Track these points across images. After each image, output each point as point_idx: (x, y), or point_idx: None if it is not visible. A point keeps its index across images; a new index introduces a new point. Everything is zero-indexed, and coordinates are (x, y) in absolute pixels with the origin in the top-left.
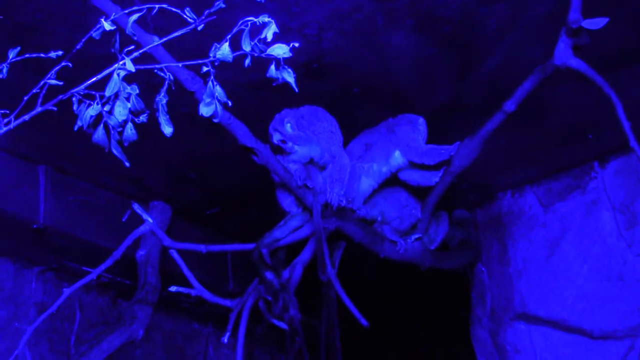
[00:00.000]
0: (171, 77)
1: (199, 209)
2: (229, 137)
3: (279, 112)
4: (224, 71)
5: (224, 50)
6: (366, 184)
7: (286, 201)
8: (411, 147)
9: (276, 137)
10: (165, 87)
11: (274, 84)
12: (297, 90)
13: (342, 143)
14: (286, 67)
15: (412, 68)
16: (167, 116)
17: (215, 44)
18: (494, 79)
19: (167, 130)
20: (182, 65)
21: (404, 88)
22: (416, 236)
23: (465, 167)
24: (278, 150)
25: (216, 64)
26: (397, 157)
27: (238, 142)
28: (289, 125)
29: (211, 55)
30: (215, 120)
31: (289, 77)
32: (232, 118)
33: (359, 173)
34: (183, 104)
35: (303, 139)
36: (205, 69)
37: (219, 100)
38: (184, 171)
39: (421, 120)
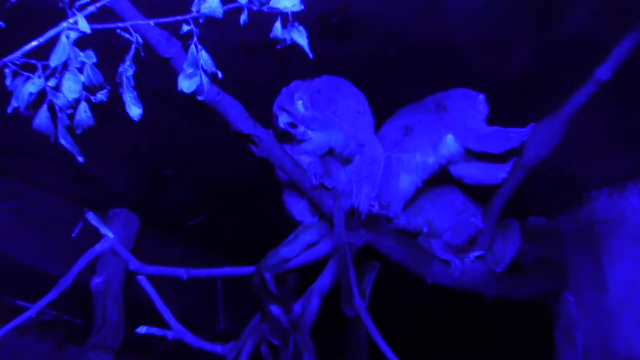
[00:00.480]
0: (140, 40)
1: (178, 218)
2: (218, 121)
3: (286, 86)
4: (210, 31)
5: (212, 3)
6: (407, 182)
7: (297, 208)
8: (469, 130)
9: (283, 120)
10: (131, 54)
11: (278, 47)
12: (311, 56)
13: (374, 126)
14: (296, 24)
15: (472, 24)
16: (135, 93)
17: None
18: (581, 40)
19: (135, 112)
20: (155, 23)
21: (460, 53)
22: (477, 254)
23: (543, 158)
24: (286, 137)
25: (201, 21)
26: (450, 144)
27: (231, 127)
28: (300, 103)
29: (194, 10)
30: (200, 98)
31: (301, 37)
32: (223, 94)
33: (396, 167)
34: (155, 76)
35: (320, 122)
36: (186, 28)
37: (205, 71)
38: (156, 167)
39: (481, 97)
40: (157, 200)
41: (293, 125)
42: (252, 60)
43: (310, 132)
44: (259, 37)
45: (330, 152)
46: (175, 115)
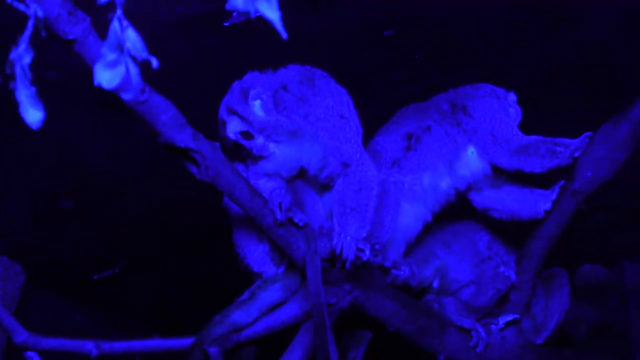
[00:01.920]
0: (39, 12)
1: (79, 270)
2: (141, 130)
3: (238, 79)
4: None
5: None
6: (410, 216)
7: (254, 253)
8: (498, 141)
9: (233, 128)
10: (27, 33)
11: (226, 23)
12: (284, 36)
13: (362, 137)
14: None
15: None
16: (33, 89)
17: None
18: None
19: (33, 116)
20: None
21: (483, 34)
22: (508, 319)
23: (602, 182)
24: (238, 152)
25: None
26: (471, 161)
27: (159, 139)
28: (258, 103)
29: None
30: (126, 97)
31: (270, 8)
32: (150, 91)
33: (395, 195)
34: (49, 65)
35: (285, 131)
36: None
37: (132, 57)
38: (50, 197)
39: (512, 96)
40: (49, 243)
41: (247, 135)
42: (192, 41)
43: (271, 145)
44: (201, 9)
45: (301, 173)
46: (77, 122)
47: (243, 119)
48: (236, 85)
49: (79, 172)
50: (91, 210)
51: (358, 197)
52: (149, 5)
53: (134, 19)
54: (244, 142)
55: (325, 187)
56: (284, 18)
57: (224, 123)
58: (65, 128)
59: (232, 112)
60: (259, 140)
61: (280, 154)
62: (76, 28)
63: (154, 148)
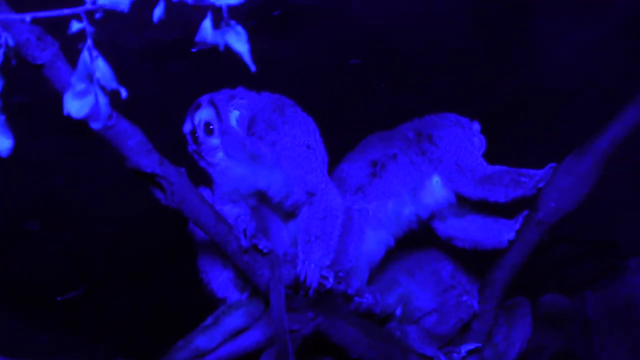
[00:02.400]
0: (10, 41)
1: (44, 292)
2: (108, 154)
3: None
4: (102, 26)
5: None
6: (374, 242)
7: (218, 279)
8: (462, 170)
9: (202, 115)
10: None
11: (194, 49)
12: (253, 68)
13: (327, 165)
14: (233, 23)
15: (464, 23)
16: (3, 118)
17: None
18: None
19: (3, 144)
20: (31, 18)
21: (450, 62)
22: (470, 347)
23: (565, 213)
24: (188, 143)
25: (97, 16)
26: (435, 189)
27: (126, 164)
28: (236, 114)
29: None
30: (95, 126)
31: (239, 42)
32: (117, 116)
33: (359, 222)
34: (20, 88)
35: (245, 153)
36: (76, 25)
37: (101, 87)
38: (15, 218)
39: (476, 125)
40: (13, 265)
41: (208, 129)
42: (159, 68)
43: (221, 155)
44: (169, 36)
45: (263, 198)
46: (43, 143)
47: (217, 113)
48: (227, 90)
49: (45, 194)
50: (57, 232)
51: (323, 225)
52: (118, 32)
53: (102, 45)
54: (200, 133)
55: (290, 214)
56: (252, 43)
57: (198, 106)
58: (33, 150)
59: (212, 103)
60: (214, 141)
61: (228, 170)
62: (45, 53)
63: (121, 171)
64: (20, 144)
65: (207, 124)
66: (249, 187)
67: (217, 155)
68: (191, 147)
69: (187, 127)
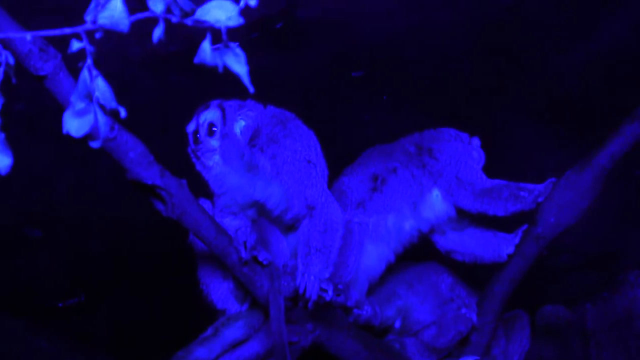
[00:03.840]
0: (10, 59)
1: (45, 298)
2: (109, 164)
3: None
4: (103, 39)
5: (114, 10)
6: (373, 256)
7: (218, 290)
8: (462, 184)
9: (209, 116)
10: None
11: (196, 61)
12: (251, 90)
13: (327, 178)
14: (232, 45)
15: (467, 37)
16: (2, 136)
17: None
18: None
19: (2, 162)
20: (30, 37)
21: (452, 76)
22: (469, 359)
23: (565, 227)
24: (189, 141)
25: (97, 36)
26: (436, 203)
27: (127, 175)
28: (242, 123)
29: (88, 19)
30: (94, 145)
31: (238, 64)
32: (118, 128)
33: (359, 236)
34: (18, 97)
35: (243, 163)
36: (76, 45)
37: (101, 106)
38: (16, 225)
39: (476, 140)
40: (14, 271)
41: (211, 130)
42: (161, 79)
43: (217, 159)
44: (171, 48)
45: (262, 210)
46: (44, 151)
47: (224, 117)
48: (237, 100)
49: (47, 201)
50: (58, 239)
51: (323, 238)
52: (120, 43)
53: (105, 56)
54: (202, 133)
55: (290, 227)
56: (254, 56)
57: (206, 106)
58: (34, 157)
59: (221, 107)
60: (214, 143)
61: (226, 177)
62: (47, 64)
63: (121, 178)
64: (22, 151)
65: (211, 125)
66: (246, 197)
67: (213, 158)
68: (190, 147)
69: (191, 127)
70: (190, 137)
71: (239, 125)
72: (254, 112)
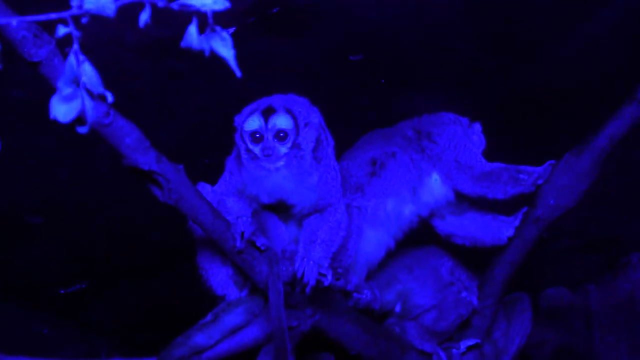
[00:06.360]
0: None
1: (46, 285)
2: (107, 150)
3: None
4: (96, 24)
5: None
6: (373, 241)
7: (217, 276)
8: (462, 167)
9: (282, 122)
10: None
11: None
12: (238, 74)
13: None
14: (218, 29)
15: (466, 21)
16: None
17: None
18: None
19: None
20: (16, 22)
21: (452, 60)
22: (469, 343)
23: (565, 210)
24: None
25: (84, 21)
26: (435, 187)
27: (124, 161)
28: (310, 135)
29: (74, 4)
30: (82, 130)
31: (225, 48)
32: (114, 114)
33: (358, 220)
34: (15, 83)
35: (301, 167)
36: (62, 30)
37: (88, 91)
38: (17, 211)
39: (476, 125)
40: (16, 258)
41: (280, 136)
42: (157, 64)
43: (281, 164)
44: (167, 33)
45: (278, 204)
46: (45, 137)
47: (296, 125)
48: (293, 96)
49: (48, 188)
50: (59, 226)
51: (330, 232)
52: (116, 28)
53: (101, 41)
54: (268, 137)
55: (293, 216)
56: (250, 41)
57: (272, 110)
58: (35, 144)
59: (291, 113)
60: (283, 149)
61: (278, 181)
62: (41, 50)
63: (118, 166)
64: (22, 138)
65: (281, 131)
66: (277, 196)
67: (277, 163)
68: (246, 146)
69: (251, 125)
70: (248, 137)
71: (307, 132)
72: (317, 118)
